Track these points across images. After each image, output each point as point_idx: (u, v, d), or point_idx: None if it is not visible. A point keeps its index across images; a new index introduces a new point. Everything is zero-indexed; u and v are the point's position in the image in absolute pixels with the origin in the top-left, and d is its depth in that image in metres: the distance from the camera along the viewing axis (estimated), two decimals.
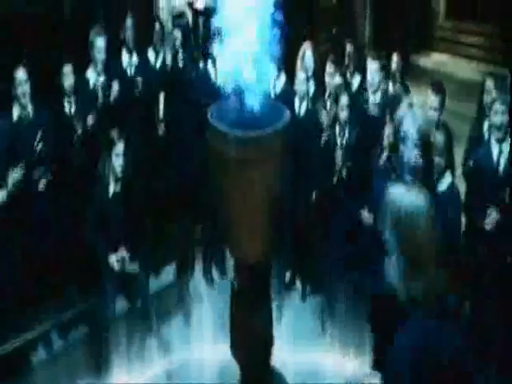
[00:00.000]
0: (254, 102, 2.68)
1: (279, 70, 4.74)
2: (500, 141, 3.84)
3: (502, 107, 3.74)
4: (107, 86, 4.75)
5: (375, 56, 4.86)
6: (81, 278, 4.30)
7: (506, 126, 3.77)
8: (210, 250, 5.18)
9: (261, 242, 2.79)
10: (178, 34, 5.18)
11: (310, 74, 4.93)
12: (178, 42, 5.19)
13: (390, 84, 4.95)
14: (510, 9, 7.91)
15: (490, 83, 4.25)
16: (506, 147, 3.83)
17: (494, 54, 8.27)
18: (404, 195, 1.83)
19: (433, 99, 4.21)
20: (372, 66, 4.78)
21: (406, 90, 4.20)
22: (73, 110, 4.56)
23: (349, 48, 5.24)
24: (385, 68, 4.89)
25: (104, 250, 4.14)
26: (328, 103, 4.92)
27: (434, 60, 8.80)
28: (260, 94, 2.68)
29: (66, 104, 4.56)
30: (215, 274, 5.14)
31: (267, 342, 3.05)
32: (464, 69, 8.27)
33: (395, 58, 5.21)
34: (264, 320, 2.98)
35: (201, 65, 5.15)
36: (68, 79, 4.51)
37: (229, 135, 2.59)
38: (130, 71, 5.17)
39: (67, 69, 4.51)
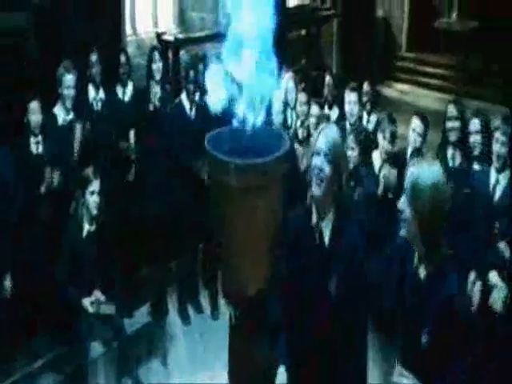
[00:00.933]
0: (251, 129, 2.63)
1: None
2: (498, 170, 3.82)
3: (502, 138, 3.73)
4: (76, 123, 4.61)
5: (353, 87, 4.85)
6: (51, 323, 4.09)
7: (506, 157, 3.76)
8: (184, 286, 5.06)
9: (263, 269, 2.71)
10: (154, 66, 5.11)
11: (292, 105, 4.93)
12: (156, 76, 5.11)
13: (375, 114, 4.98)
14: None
15: (452, 109, 4.29)
16: (503, 178, 3.81)
17: (454, 84, 8.55)
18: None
19: (418, 124, 4.25)
20: (351, 97, 4.79)
21: (392, 121, 4.20)
22: (40, 148, 4.37)
23: (328, 80, 5.26)
24: (361, 98, 4.92)
25: (77, 293, 3.95)
26: (300, 132, 4.91)
27: (397, 89, 9.02)
28: (258, 121, 2.64)
29: (32, 142, 4.36)
30: (190, 310, 5.00)
31: (267, 374, 2.92)
32: (425, 98, 8.50)
33: (366, 87, 5.26)
34: (265, 351, 2.86)
35: (173, 97, 5.10)
36: (35, 116, 4.31)
37: (230, 164, 2.53)
38: (97, 107, 5.06)
39: (34, 105, 4.32)
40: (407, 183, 2.36)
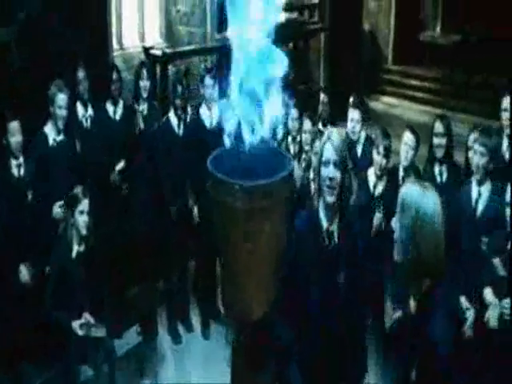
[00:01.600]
0: (254, 149, 2.57)
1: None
2: (479, 183, 3.79)
3: (480, 148, 3.70)
4: (67, 143, 4.51)
5: (356, 104, 4.72)
6: (40, 347, 3.97)
7: (485, 168, 3.73)
8: (174, 305, 4.99)
9: (267, 292, 2.64)
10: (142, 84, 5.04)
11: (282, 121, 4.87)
12: (143, 93, 5.04)
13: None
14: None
15: (438, 125, 4.27)
16: (484, 190, 3.78)
17: (441, 97, 8.60)
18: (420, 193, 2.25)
19: (410, 137, 4.22)
20: (354, 114, 4.68)
21: (386, 135, 4.16)
22: (21, 171, 4.23)
23: (322, 97, 5.21)
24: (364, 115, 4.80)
25: (67, 315, 3.84)
26: (291, 148, 4.87)
27: (383, 102, 9.04)
28: (259, 141, 2.58)
29: (13, 164, 4.22)
30: (181, 329, 4.95)
31: None
32: (413, 111, 8.52)
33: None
34: (270, 374, 2.78)
35: (161, 115, 5.03)
36: (15, 137, 4.15)
37: (234, 185, 2.45)
38: (86, 124, 4.97)
39: (14, 125, 4.15)
40: (398, 203, 2.32)
